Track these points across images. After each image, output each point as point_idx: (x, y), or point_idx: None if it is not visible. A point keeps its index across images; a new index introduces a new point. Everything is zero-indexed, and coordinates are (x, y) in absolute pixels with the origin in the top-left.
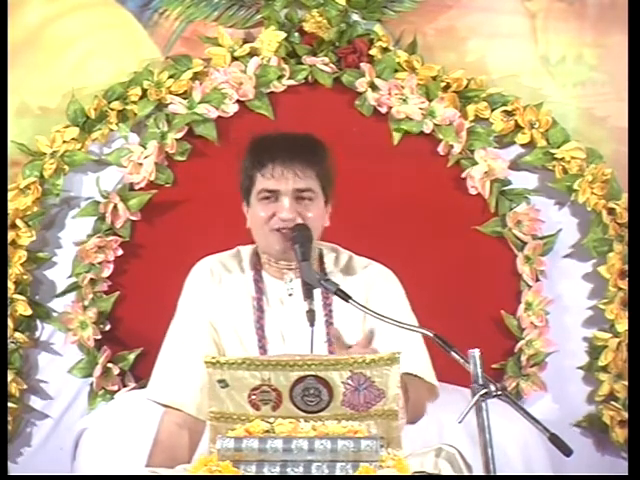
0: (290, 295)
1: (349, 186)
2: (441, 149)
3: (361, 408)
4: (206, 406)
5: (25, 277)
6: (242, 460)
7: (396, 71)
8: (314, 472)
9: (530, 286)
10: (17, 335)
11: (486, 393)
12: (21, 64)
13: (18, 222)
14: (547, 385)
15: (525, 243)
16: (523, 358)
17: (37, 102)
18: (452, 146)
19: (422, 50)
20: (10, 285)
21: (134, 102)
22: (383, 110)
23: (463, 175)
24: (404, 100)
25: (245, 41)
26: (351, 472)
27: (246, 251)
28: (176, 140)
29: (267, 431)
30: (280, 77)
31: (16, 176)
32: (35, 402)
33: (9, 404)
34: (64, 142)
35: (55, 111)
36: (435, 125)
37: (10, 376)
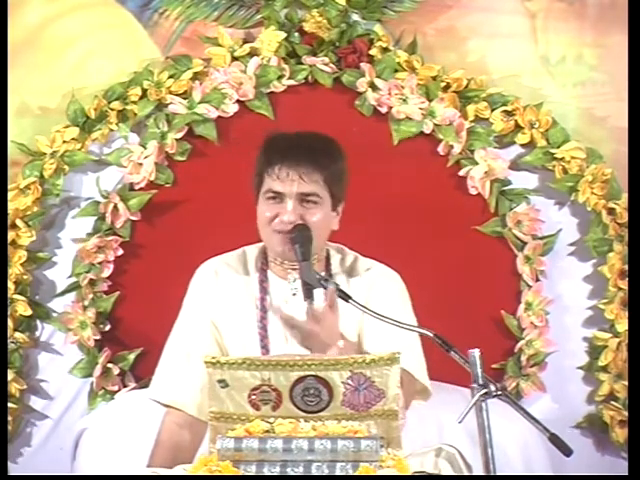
0: (294, 295)
1: (349, 186)
2: (441, 149)
3: (361, 408)
4: (207, 406)
5: (25, 277)
6: (242, 460)
7: (396, 71)
8: (314, 472)
9: (530, 286)
10: (17, 335)
11: (486, 393)
12: (21, 64)
13: (18, 222)
14: (547, 385)
15: (525, 243)
16: (523, 358)
17: (37, 102)
18: (452, 146)
19: (422, 50)
20: (10, 285)
21: (134, 102)
22: (383, 110)
23: (462, 174)
24: (404, 100)
25: (245, 41)
26: (351, 472)
27: (252, 251)
28: (176, 140)
29: (267, 431)
30: (280, 77)
31: (16, 176)
32: (35, 402)
33: (9, 404)
34: (64, 142)
35: (55, 111)
36: (435, 125)
37: (10, 376)
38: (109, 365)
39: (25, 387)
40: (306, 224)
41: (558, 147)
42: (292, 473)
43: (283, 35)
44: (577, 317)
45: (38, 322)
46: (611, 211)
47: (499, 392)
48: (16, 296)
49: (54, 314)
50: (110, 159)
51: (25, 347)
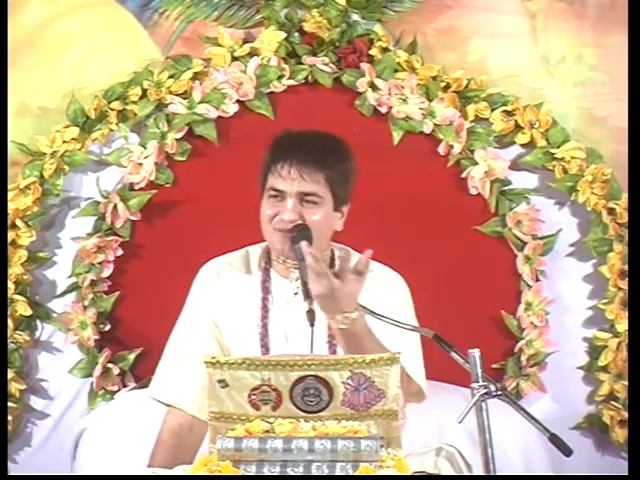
0: (295, 294)
1: None
2: (441, 149)
3: (361, 408)
4: (207, 406)
5: (25, 277)
6: (242, 460)
7: (396, 71)
8: (314, 472)
9: (530, 286)
10: (17, 335)
11: (486, 393)
12: (21, 64)
13: (18, 222)
14: (547, 385)
15: (525, 243)
16: (523, 358)
17: (37, 102)
18: (452, 146)
19: (422, 50)
20: (10, 285)
21: (134, 102)
22: (383, 110)
23: (463, 175)
24: (404, 100)
25: (245, 41)
26: (351, 472)
27: (255, 251)
28: (176, 140)
29: (267, 431)
30: (280, 77)
31: (16, 176)
32: (35, 402)
33: (9, 404)
34: (64, 142)
35: (55, 111)
36: (435, 125)
37: (10, 376)
38: (109, 365)
39: (25, 387)
40: (305, 224)
41: (558, 147)
42: (292, 473)
43: (283, 35)
44: (577, 317)
45: (38, 322)
46: (611, 211)
47: (499, 392)
48: (16, 296)
49: (54, 314)
50: (110, 159)
51: (25, 347)
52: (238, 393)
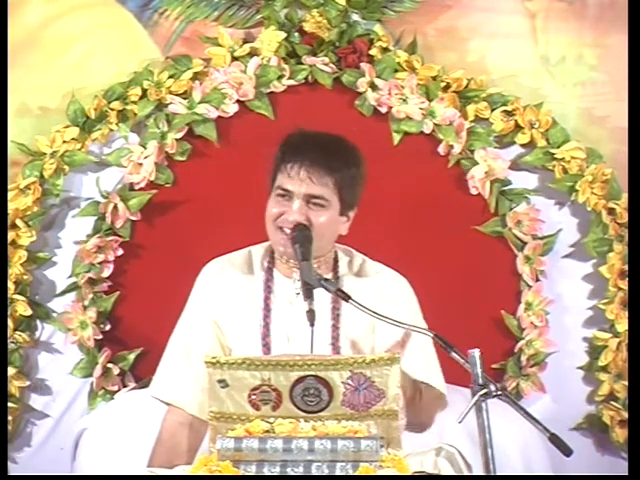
0: (298, 294)
1: None
2: (441, 149)
3: (361, 408)
4: (207, 406)
5: (25, 277)
6: (242, 460)
7: (396, 71)
8: (314, 472)
9: (530, 286)
10: (17, 335)
11: (486, 393)
12: (21, 64)
13: (18, 222)
14: (547, 385)
15: (525, 243)
16: (523, 358)
17: (37, 102)
18: (452, 146)
19: (422, 50)
20: (10, 285)
21: (134, 102)
22: (383, 110)
23: (467, 177)
24: (404, 100)
25: (245, 41)
26: (351, 472)
27: (258, 250)
28: (176, 140)
29: (267, 431)
30: (280, 77)
31: (16, 176)
32: (35, 402)
33: (9, 404)
34: (64, 142)
35: (55, 111)
36: (435, 125)
37: (10, 376)
38: (109, 365)
39: (25, 387)
40: (306, 224)
41: (558, 147)
42: (292, 473)
43: (283, 35)
44: (577, 317)
45: (38, 322)
46: (611, 211)
47: (499, 392)
48: (16, 296)
49: (54, 314)
50: (110, 159)
51: (25, 347)
52: (238, 393)
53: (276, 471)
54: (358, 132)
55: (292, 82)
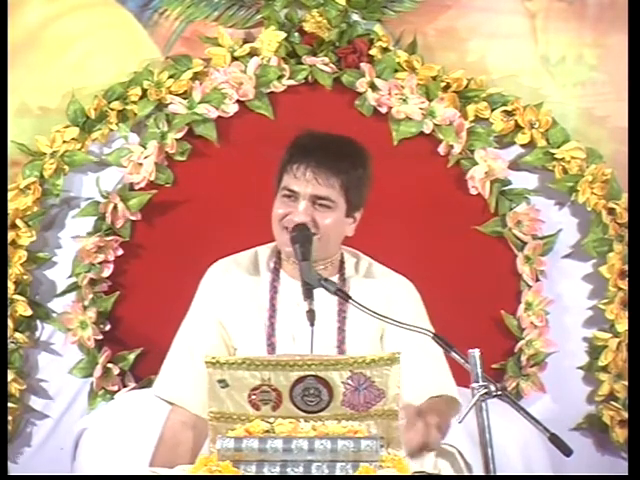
0: None
1: None
2: (441, 149)
3: (361, 408)
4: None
5: (25, 277)
6: (242, 460)
7: (396, 71)
8: (314, 472)
9: (530, 286)
10: (17, 335)
11: (486, 393)
12: (21, 64)
13: (18, 222)
14: (547, 385)
15: (525, 243)
16: (523, 358)
17: (37, 102)
18: (452, 146)
19: (422, 50)
20: (10, 285)
21: (134, 102)
22: (383, 110)
23: (467, 177)
24: (404, 100)
25: (245, 41)
26: (351, 472)
27: (264, 251)
28: (176, 140)
29: (267, 431)
30: (280, 77)
31: (16, 176)
32: (35, 402)
33: (9, 404)
34: (64, 142)
35: (55, 111)
36: (435, 125)
37: (10, 376)
38: (109, 365)
39: (25, 387)
40: (306, 224)
41: (558, 147)
42: (292, 473)
43: (283, 35)
44: (577, 317)
45: (38, 322)
46: (611, 211)
47: (499, 392)
48: (16, 296)
49: (54, 314)
50: (110, 159)
51: (25, 347)
52: (238, 393)
53: (276, 471)
54: (358, 132)
55: (292, 82)
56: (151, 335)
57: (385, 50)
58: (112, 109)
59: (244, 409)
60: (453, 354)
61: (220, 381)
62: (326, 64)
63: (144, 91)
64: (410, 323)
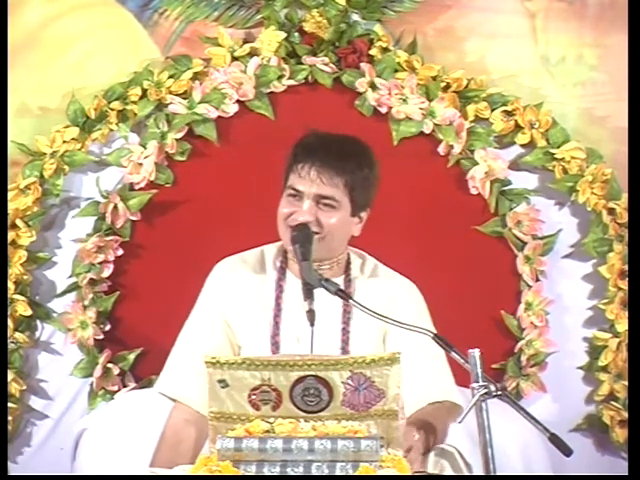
0: None
1: None
2: (441, 149)
3: (361, 408)
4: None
5: (25, 277)
6: (242, 460)
7: (396, 71)
8: (314, 472)
9: (530, 286)
10: (17, 335)
11: (486, 393)
12: (21, 64)
13: (18, 222)
14: (547, 385)
15: (525, 243)
16: (523, 358)
17: (37, 102)
18: (452, 146)
19: (422, 50)
20: (10, 285)
21: (134, 102)
22: (383, 110)
23: (468, 177)
24: (404, 100)
25: (245, 41)
26: (351, 472)
27: (270, 250)
28: (176, 140)
29: (267, 431)
30: (280, 77)
31: (16, 176)
32: (35, 402)
33: (9, 404)
34: (64, 142)
35: (55, 111)
36: (435, 125)
37: (10, 376)
38: (109, 365)
39: (25, 387)
40: (306, 224)
41: (558, 147)
42: (292, 473)
43: (283, 35)
44: (577, 317)
45: (38, 322)
46: (611, 211)
47: (499, 392)
48: (16, 296)
49: (54, 314)
50: (110, 159)
51: (25, 347)
52: (238, 393)
53: (276, 471)
54: (358, 132)
55: (292, 82)
56: (151, 335)
57: (385, 50)
58: (112, 109)
59: (244, 409)
60: (453, 354)
61: (220, 381)
62: (326, 64)
63: (144, 91)
64: (412, 323)
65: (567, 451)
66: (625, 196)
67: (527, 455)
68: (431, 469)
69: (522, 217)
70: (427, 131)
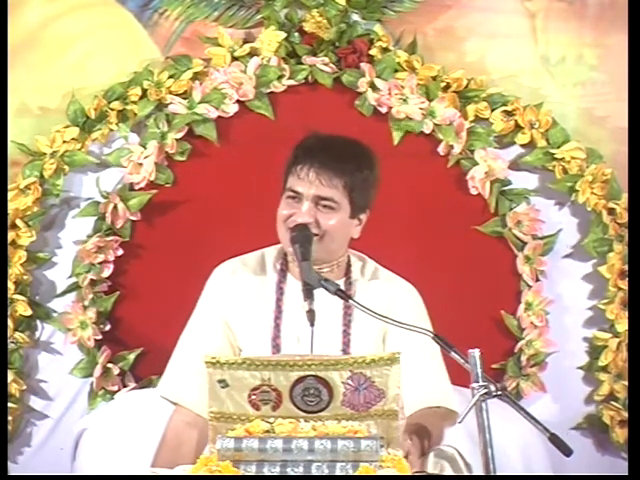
0: None
1: None
2: (441, 149)
3: (361, 408)
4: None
5: (25, 277)
6: (242, 460)
7: (396, 71)
8: (314, 472)
9: (530, 286)
10: (17, 335)
11: (486, 393)
12: (21, 64)
13: (18, 222)
14: (547, 385)
15: (525, 243)
16: (523, 358)
17: (37, 102)
18: (452, 146)
19: (422, 50)
20: (10, 285)
21: (134, 102)
22: (383, 110)
23: (468, 177)
24: (404, 100)
25: (245, 41)
26: (351, 472)
27: (271, 252)
28: (176, 140)
29: (267, 431)
30: (280, 77)
31: (16, 176)
32: (35, 402)
33: (9, 404)
34: (64, 142)
35: (55, 111)
36: (435, 125)
37: (10, 376)
38: (109, 365)
39: (25, 387)
40: (306, 224)
41: (558, 147)
42: (292, 473)
43: (283, 35)
44: (577, 317)
45: (38, 322)
46: (611, 211)
47: (499, 392)
48: (16, 296)
49: (54, 314)
50: (110, 159)
51: (25, 347)
52: (238, 393)
53: (276, 471)
54: (358, 132)
55: (292, 82)
56: (151, 335)
57: (385, 50)
58: (112, 109)
59: (244, 409)
60: (453, 354)
61: (220, 381)
62: (326, 64)
63: (144, 91)
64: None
65: (567, 451)
66: (625, 196)
67: (527, 455)
68: (431, 469)
69: (522, 217)
70: (427, 131)
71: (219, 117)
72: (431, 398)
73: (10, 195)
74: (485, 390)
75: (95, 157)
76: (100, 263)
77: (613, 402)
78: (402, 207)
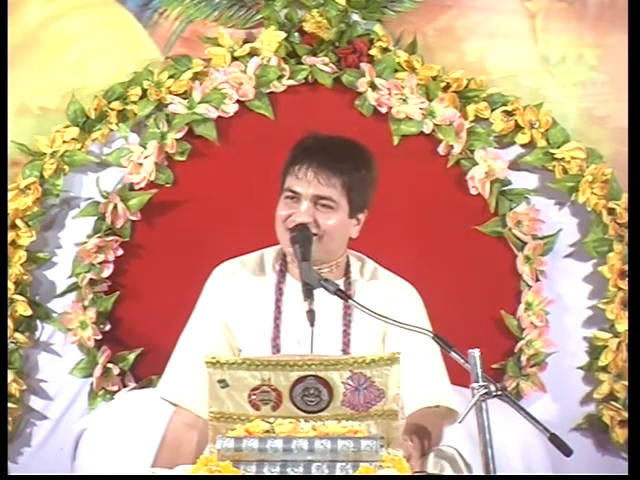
0: None
1: None
2: (441, 149)
3: (361, 408)
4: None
5: (25, 277)
6: (242, 460)
7: (396, 71)
8: (314, 472)
9: (530, 286)
10: (17, 335)
11: (486, 393)
12: (21, 64)
13: (18, 222)
14: (547, 385)
15: (525, 243)
16: (523, 358)
17: (37, 102)
18: (452, 146)
19: (422, 50)
20: (10, 285)
21: (134, 102)
22: (383, 110)
23: (468, 177)
24: (404, 100)
25: (245, 41)
26: (351, 472)
27: (270, 253)
28: (176, 140)
29: (267, 431)
30: (280, 77)
31: (16, 176)
32: (35, 402)
33: (9, 404)
34: (64, 142)
35: (55, 111)
36: (435, 125)
37: (10, 376)
38: (109, 365)
39: (25, 387)
40: (306, 224)
41: (558, 147)
42: (292, 473)
43: (283, 35)
44: (577, 317)
45: (38, 322)
46: (611, 211)
47: (499, 392)
48: (16, 296)
49: (54, 314)
50: (110, 159)
51: (25, 347)
52: (238, 393)
53: (276, 471)
54: (358, 132)
55: (292, 82)
56: (151, 335)
57: (385, 50)
58: (112, 109)
59: (244, 409)
60: (453, 354)
61: (220, 381)
62: (326, 64)
63: (144, 91)
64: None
65: (567, 451)
66: (625, 196)
67: (527, 455)
68: (431, 469)
69: (522, 217)
70: (427, 131)
71: (219, 117)
72: (431, 398)
73: (10, 195)
74: (485, 390)
75: (95, 157)
76: (100, 263)
77: (613, 402)
78: (402, 207)
